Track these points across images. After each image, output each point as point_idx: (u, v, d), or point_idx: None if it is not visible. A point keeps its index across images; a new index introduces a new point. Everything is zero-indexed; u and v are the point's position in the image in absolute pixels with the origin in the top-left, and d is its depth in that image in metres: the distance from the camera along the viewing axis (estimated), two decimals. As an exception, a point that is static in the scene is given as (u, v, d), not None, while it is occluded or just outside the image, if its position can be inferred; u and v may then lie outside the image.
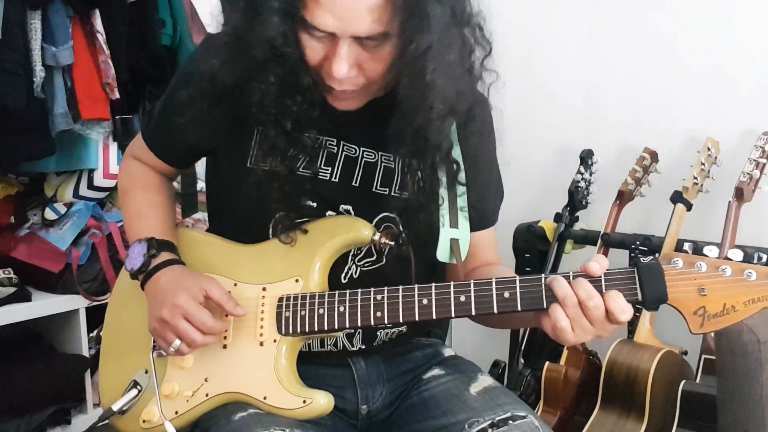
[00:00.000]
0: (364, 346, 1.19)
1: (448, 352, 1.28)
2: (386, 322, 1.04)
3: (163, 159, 1.28)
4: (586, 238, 2.14)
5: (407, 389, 1.22)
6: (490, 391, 1.14)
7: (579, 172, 2.14)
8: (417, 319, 1.03)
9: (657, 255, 1.04)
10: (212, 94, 1.10)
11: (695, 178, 1.94)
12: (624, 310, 0.95)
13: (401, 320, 1.04)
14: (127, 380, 1.18)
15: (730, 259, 0.94)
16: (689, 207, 1.94)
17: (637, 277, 0.95)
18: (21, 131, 2.05)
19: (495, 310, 0.99)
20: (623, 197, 2.07)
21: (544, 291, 0.98)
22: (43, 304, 2.18)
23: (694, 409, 1.71)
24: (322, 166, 1.14)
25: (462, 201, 1.17)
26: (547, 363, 1.96)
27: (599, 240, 2.05)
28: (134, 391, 1.16)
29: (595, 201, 2.17)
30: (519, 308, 0.98)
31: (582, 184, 2.13)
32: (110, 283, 2.25)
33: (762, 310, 0.93)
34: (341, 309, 1.06)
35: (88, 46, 2.15)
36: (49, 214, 2.26)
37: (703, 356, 1.82)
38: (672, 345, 1.89)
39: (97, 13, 2.16)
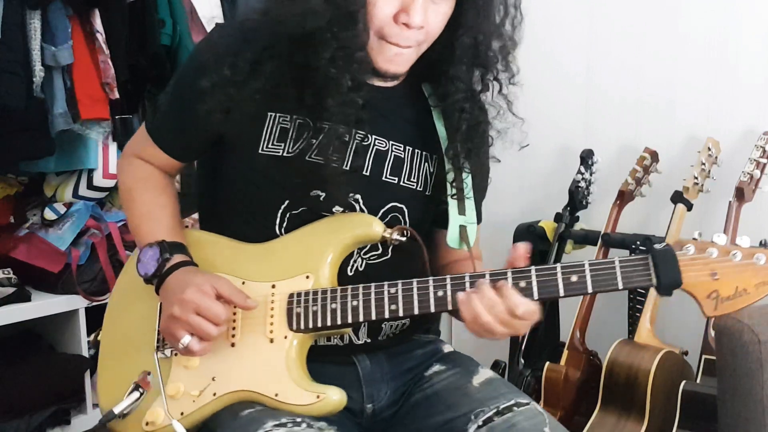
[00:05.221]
0: (369, 340, 1.20)
1: (447, 348, 1.28)
2: (401, 314, 1.05)
3: (169, 152, 1.25)
4: (587, 238, 2.14)
5: (410, 388, 1.22)
6: (492, 382, 1.16)
7: (579, 172, 2.14)
8: (433, 310, 1.04)
9: (664, 242, 1.06)
10: (234, 78, 1.10)
11: (696, 178, 1.93)
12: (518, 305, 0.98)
13: (416, 312, 1.04)
14: (128, 382, 1.16)
15: (739, 246, 0.97)
16: (690, 207, 1.94)
17: (651, 263, 0.97)
18: (20, 131, 2.05)
19: None
20: (624, 197, 2.07)
21: (561, 280, 0.99)
22: (43, 305, 2.17)
23: (694, 409, 1.70)
24: (333, 154, 1.12)
25: (468, 189, 1.19)
26: (547, 363, 1.96)
27: (599, 240, 2.05)
28: (136, 394, 1.14)
29: (595, 201, 2.17)
30: (535, 297, 0.99)
31: (582, 184, 2.13)
32: (110, 283, 2.24)
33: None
34: (354, 303, 1.06)
35: (88, 46, 2.15)
36: (49, 214, 2.26)
37: (704, 356, 1.81)
38: (672, 345, 1.88)
39: (97, 12, 2.15)
